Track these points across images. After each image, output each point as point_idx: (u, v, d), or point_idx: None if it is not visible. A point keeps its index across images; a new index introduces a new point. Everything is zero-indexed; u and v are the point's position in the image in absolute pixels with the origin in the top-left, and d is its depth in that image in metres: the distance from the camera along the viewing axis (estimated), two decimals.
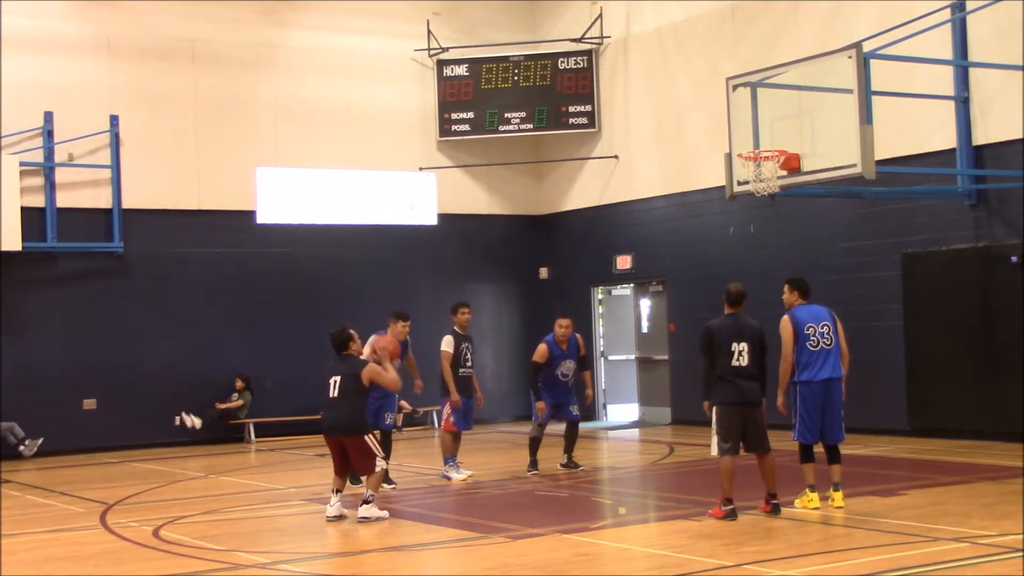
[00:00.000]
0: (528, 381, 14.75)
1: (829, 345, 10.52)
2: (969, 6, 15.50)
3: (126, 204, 19.23)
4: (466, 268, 22.05)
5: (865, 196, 15.83)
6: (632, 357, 21.76)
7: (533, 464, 13.93)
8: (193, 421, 19.22)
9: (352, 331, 11.18)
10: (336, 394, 10.91)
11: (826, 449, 10.66)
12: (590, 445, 17.58)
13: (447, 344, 13.62)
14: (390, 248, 21.38)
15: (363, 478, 11.25)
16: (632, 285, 21.69)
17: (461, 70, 21.94)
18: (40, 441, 18.05)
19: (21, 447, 17.90)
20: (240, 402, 19.72)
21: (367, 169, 21.24)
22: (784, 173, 13.51)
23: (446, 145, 22.09)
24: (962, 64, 15.59)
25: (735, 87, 14.23)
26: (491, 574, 8.49)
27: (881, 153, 13.47)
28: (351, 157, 21.11)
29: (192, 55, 20.02)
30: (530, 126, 21.91)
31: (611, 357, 22.14)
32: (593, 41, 21.63)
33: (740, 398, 10.28)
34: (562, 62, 21.81)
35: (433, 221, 21.69)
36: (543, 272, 22.92)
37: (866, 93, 12.90)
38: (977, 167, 15.66)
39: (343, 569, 9.33)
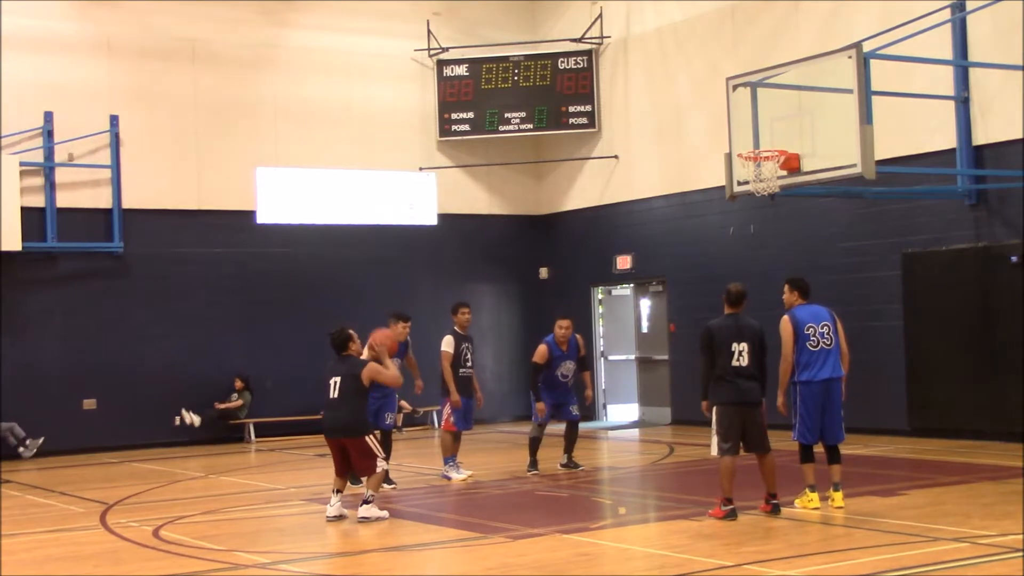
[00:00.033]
0: (528, 381, 14.76)
1: (829, 345, 10.52)
2: (969, 6, 15.50)
3: (126, 204, 19.23)
4: (466, 268, 22.05)
5: (865, 196, 15.83)
6: (632, 357, 21.76)
7: (533, 464, 13.93)
8: (192, 418, 19.22)
9: (352, 331, 11.18)
10: (336, 395, 10.90)
11: (826, 449, 10.66)
12: (590, 445, 17.59)
13: (447, 344, 13.62)
14: (390, 248, 21.38)
15: (363, 478, 11.25)
16: (632, 285, 21.69)
17: (461, 70, 21.94)
18: (41, 440, 18.05)
19: (21, 448, 17.89)
20: (240, 402, 19.72)
21: (367, 169, 21.25)
22: (784, 173, 13.51)
23: (446, 145, 22.10)
24: (962, 64, 15.59)
25: (735, 87, 14.23)
26: (491, 574, 8.49)
27: (881, 153, 13.47)
28: (351, 157, 21.11)
29: (192, 55, 20.02)
30: (530, 126, 21.91)
31: (611, 357, 22.14)
32: (593, 41, 21.63)
33: (740, 398, 10.28)
34: (562, 62, 21.81)
35: (433, 221, 21.69)
36: (543, 272, 22.92)
37: (866, 93, 12.90)
38: (977, 167, 15.66)
39: (343, 569, 9.33)
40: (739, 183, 14.06)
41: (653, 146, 20.68)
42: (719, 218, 19.21)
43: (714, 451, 10.38)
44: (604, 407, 22.02)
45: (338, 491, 10.98)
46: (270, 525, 11.40)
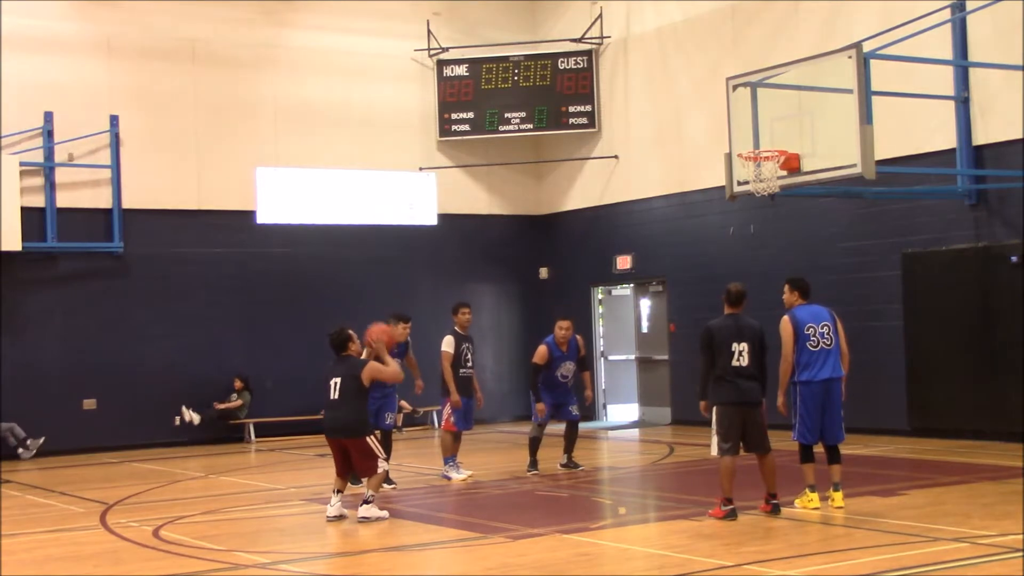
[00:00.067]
0: (528, 382, 14.76)
1: (829, 345, 10.52)
2: (969, 6, 15.50)
3: (126, 204, 19.23)
4: (466, 268, 22.05)
5: (865, 196, 15.83)
6: (632, 357, 21.76)
7: (533, 464, 13.94)
8: (192, 416, 19.22)
9: (351, 331, 11.18)
10: (337, 396, 10.90)
11: (826, 449, 10.65)
12: (590, 445, 17.59)
13: (448, 344, 13.62)
14: (390, 248, 21.38)
15: (364, 479, 11.24)
16: (632, 285, 21.69)
17: (461, 70, 21.94)
18: (42, 440, 18.05)
19: (20, 449, 17.89)
20: (239, 402, 19.71)
21: (367, 169, 21.25)
22: (784, 173, 13.51)
23: (446, 145, 22.10)
24: (962, 64, 15.59)
25: (735, 87, 14.23)
26: (491, 574, 8.49)
27: (881, 153, 13.46)
28: (351, 157, 21.11)
29: (192, 55, 20.02)
30: (530, 126, 21.91)
31: (611, 357, 22.14)
32: (593, 41, 21.63)
33: (740, 398, 10.28)
34: (562, 62, 21.81)
35: (433, 221, 21.69)
36: (543, 272, 22.92)
37: (866, 93, 12.90)
38: (977, 167, 15.66)
39: (343, 569, 9.33)
40: (739, 183, 14.06)
41: (653, 146, 20.68)
42: (719, 218, 19.21)
43: (714, 451, 10.38)
44: (604, 407, 22.02)
45: (338, 491, 10.98)
46: (270, 525, 11.40)
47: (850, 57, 12.98)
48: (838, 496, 10.51)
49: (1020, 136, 15.25)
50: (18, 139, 18.62)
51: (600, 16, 21.45)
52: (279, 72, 20.71)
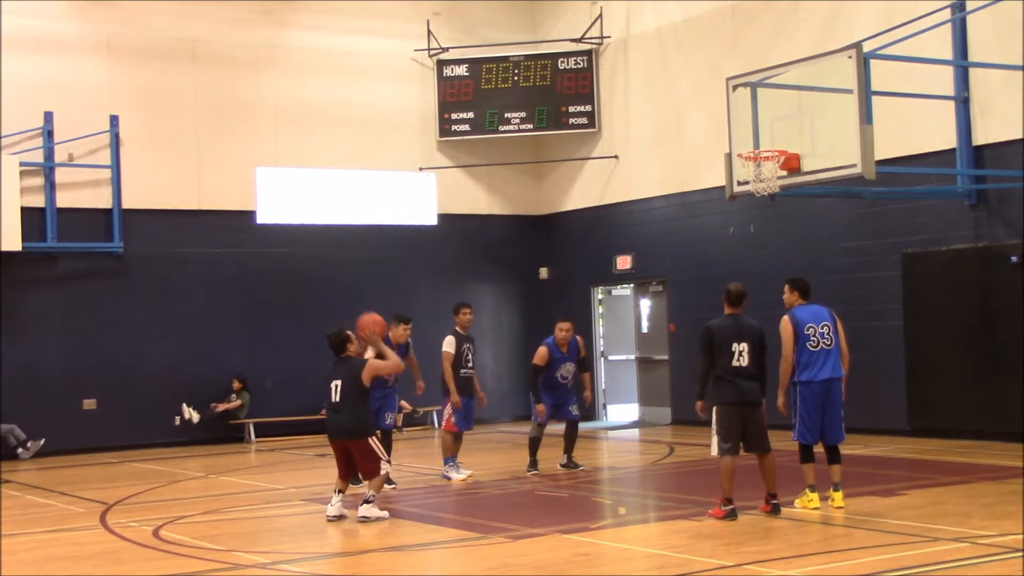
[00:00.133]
0: (528, 382, 14.76)
1: (829, 345, 10.52)
2: (969, 6, 15.50)
3: (126, 204, 19.23)
4: (466, 268, 22.05)
5: (865, 196, 15.83)
6: (632, 357, 21.76)
7: (533, 464, 13.94)
8: (192, 414, 19.22)
9: (349, 332, 11.17)
10: (338, 399, 10.89)
11: (826, 449, 10.65)
12: (590, 445, 17.59)
13: (448, 344, 13.62)
14: (390, 248, 21.38)
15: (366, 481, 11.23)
16: (632, 285, 21.69)
17: (461, 70, 21.94)
18: (42, 442, 18.05)
19: (20, 450, 17.88)
20: (238, 402, 19.71)
21: (367, 169, 21.24)
22: (784, 173, 13.51)
23: (446, 145, 22.09)
24: (962, 64, 15.59)
25: (735, 87, 14.23)
26: (491, 574, 8.49)
27: (881, 153, 13.46)
28: (351, 157, 21.11)
29: (192, 55, 20.02)
30: (530, 126, 21.91)
31: (611, 357, 22.14)
32: (593, 41, 21.63)
33: (740, 398, 10.28)
34: (562, 62, 21.81)
35: (433, 221, 21.69)
36: (543, 272, 22.92)
37: (866, 93, 12.90)
38: (977, 167, 15.66)
39: (343, 569, 9.34)
40: (739, 183, 14.06)
41: (653, 146, 20.68)
42: (719, 218, 19.21)
43: (714, 451, 10.38)
44: (604, 407, 22.02)
45: (340, 491, 10.98)
46: (270, 525, 11.40)
47: (850, 57, 12.98)
48: (838, 496, 10.51)
49: (1020, 136, 15.25)
50: (18, 139, 18.62)
51: (600, 16, 21.45)
52: (279, 72, 20.71)
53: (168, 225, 19.65)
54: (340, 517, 10.80)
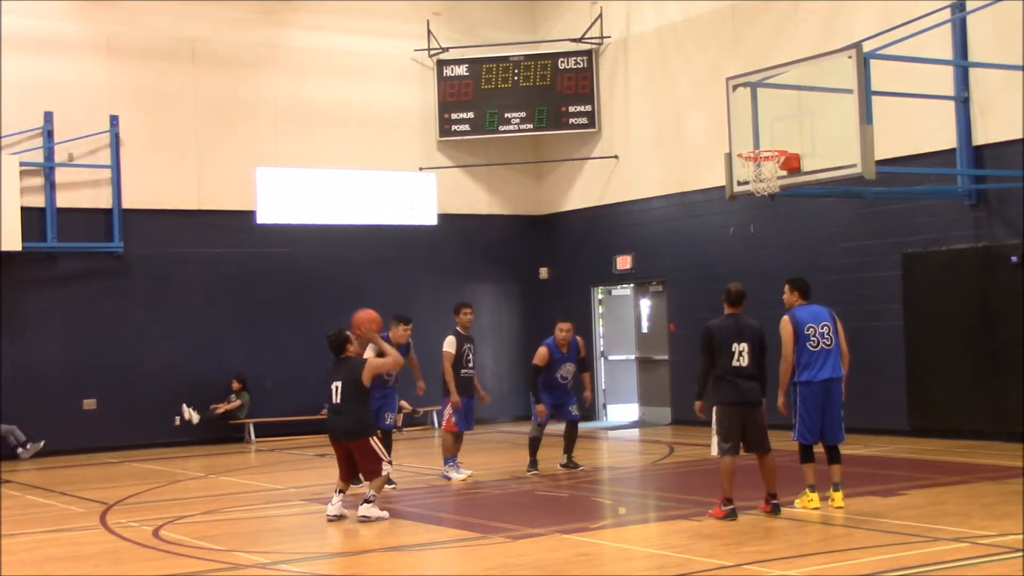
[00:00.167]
0: (528, 382, 14.76)
1: (829, 345, 10.52)
2: (969, 6, 15.50)
3: (126, 204, 19.23)
4: (466, 268, 22.05)
5: (865, 196, 15.83)
6: (632, 357, 21.76)
7: (533, 464, 13.93)
8: (192, 414, 19.22)
9: (348, 332, 11.17)
10: (339, 400, 10.89)
11: (826, 449, 10.65)
12: (590, 445, 17.59)
13: (449, 345, 13.62)
14: (390, 248, 21.38)
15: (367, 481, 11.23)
16: (632, 285, 21.69)
17: (461, 70, 21.94)
18: (41, 444, 18.05)
19: (19, 450, 17.89)
20: (238, 403, 19.71)
21: (367, 169, 21.24)
22: (784, 173, 13.51)
23: (446, 145, 22.09)
24: (962, 64, 15.59)
25: (735, 87, 14.23)
26: (491, 574, 8.49)
27: (881, 153, 13.46)
28: (351, 157, 21.11)
29: (192, 55, 20.02)
30: (530, 126, 21.91)
31: (611, 357, 22.14)
32: (593, 41, 21.63)
33: (740, 398, 10.28)
34: (562, 62, 21.81)
35: (433, 221, 21.69)
36: (543, 272, 22.92)
37: (866, 93, 12.90)
38: (977, 167, 15.66)
39: (343, 569, 9.34)
40: (739, 183, 14.06)
41: (653, 146, 20.68)
42: (719, 218, 19.21)
43: (714, 451, 10.38)
44: (604, 407, 22.02)
45: (340, 491, 10.98)
46: (270, 525, 11.40)
47: (850, 57, 12.98)
48: (838, 496, 10.51)
49: (1020, 136, 15.25)
50: (18, 139, 18.62)
51: (600, 16, 21.46)
52: (279, 72, 20.71)
53: (168, 225, 19.65)
54: (340, 517, 10.80)
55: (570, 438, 14.18)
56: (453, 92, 21.90)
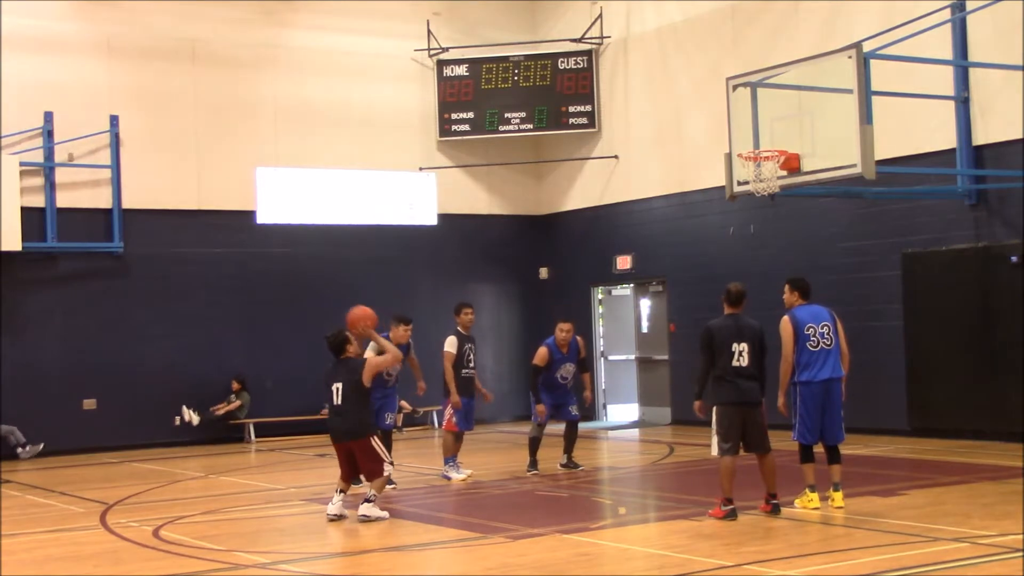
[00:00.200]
0: (528, 382, 14.76)
1: (829, 345, 10.52)
2: (969, 6, 15.50)
3: (126, 204, 19.23)
4: (466, 268, 22.05)
5: (865, 196, 15.83)
6: (632, 357, 21.76)
7: (533, 464, 13.93)
8: (191, 416, 19.22)
9: (348, 333, 11.16)
10: (340, 402, 10.89)
11: (826, 449, 10.65)
12: (590, 445, 17.59)
13: (451, 345, 13.61)
14: (390, 248, 21.38)
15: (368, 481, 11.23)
16: (632, 285, 21.69)
17: (461, 70, 21.94)
18: (41, 447, 18.05)
19: (19, 450, 17.89)
20: (238, 403, 19.70)
21: (367, 169, 21.24)
22: (784, 173, 13.51)
23: (446, 145, 22.09)
24: (962, 64, 15.59)
25: (735, 87, 14.23)
26: (491, 574, 8.49)
27: (881, 153, 13.46)
28: (351, 157, 21.11)
29: (192, 55, 20.02)
30: (530, 126, 21.91)
31: (611, 357, 22.14)
32: (593, 41, 21.63)
33: (740, 398, 10.28)
34: (562, 62, 21.81)
35: (433, 221, 21.69)
36: (543, 272, 22.92)
37: (866, 93, 12.90)
38: (977, 167, 15.66)
39: (343, 569, 9.34)
40: (739, 183, 14.06)
41: (653, 146, 20.68)
42: (719, 218, 19.21)
43: (714, 451, 10.38)
44: (604, 407, 22.02)
45: (341, 491, 10.98)
46: (270, 525, 11.40)
47: (850, 57, 12.98)
48: (838, 496, 10.51)
49: (1020, 136, 15.25)
50: (18, 139, 18.62)
51: (600, 16, 21.45)
52: (279, 72, 20.71)
53: (168, 225, 19.65)
54: (340, 516, 10.80)
55: (570, 438, 14.18)
56: (453, 92, 21.90)
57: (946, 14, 15.54)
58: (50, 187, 18.75)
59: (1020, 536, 8.91)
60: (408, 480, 13.65)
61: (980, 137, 15.69)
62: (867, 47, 13.37)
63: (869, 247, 17.10)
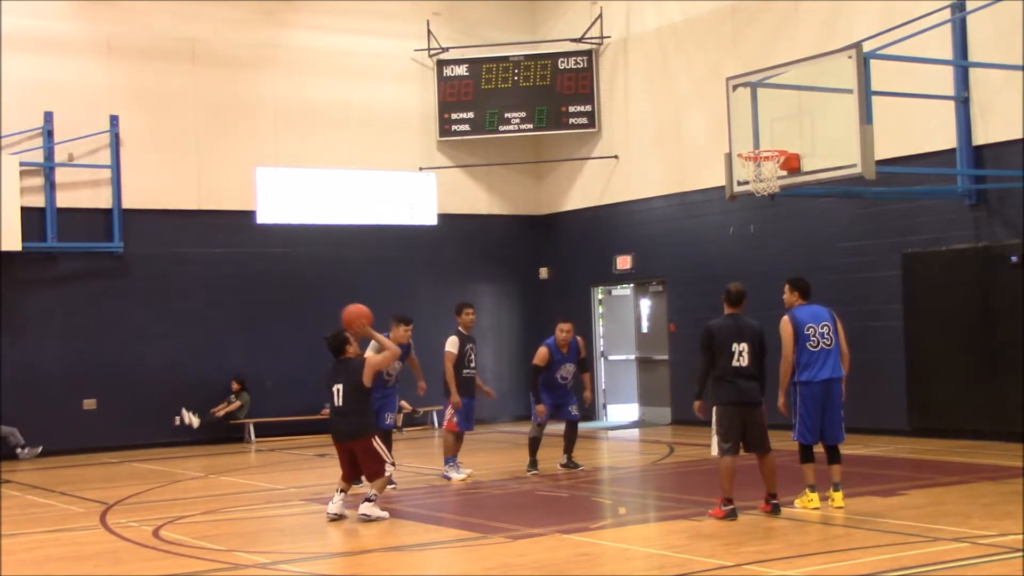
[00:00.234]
0: (528, 382, 14.76)
1: (829, 345, 10.52)
2: (969, 6, 15.50)
3: (126, 204, 19.23)
4: (466, 268, 22.05)
5: (865, 196, 15.83)
6: (632, 357, 21.76)
7: (533, 464, 13.93)
8: (191, 419, 19.22)
9: (347, 334, 11.16)
10: (341, 402, 10.90)
11: (826, 449, 10.65)
12: (590, 445, 17.59)
13: (452, 345, 13.61)
14: (390, 248, 21.38)
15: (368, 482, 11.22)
16: (632, 285, 21.69)
17: (461, 70, 21.94)
18: (39, 450, 18.05)
19: (19, 450, 17.89)
20: (238, 403, 19.70)
21: (367, 169, 21.24)
22: (784, 173, 13.51)
23: (446, 145, 22.09)
24: (962, 64, 15.59)
25: (735, 87, 14.23)
26: (491, 574, 8.49)
27: (881, 153, 13.46)
28: (351, 157, 21.11)
29: (192, 55, 20.02)
30: (530, 126, 21.91)
31: (611, 357, 22.14)
32: (593, 41, 21.63)
33: (740, 398, 10.28)
34: (562, 62, 21.81)
35: (433, 221, 21.69)
36: (543, 272, 22.92)
37: (866, 93, 12.90)
38: (977, 167, 15.66)
39: (343, 569, 9.34)
40: (739, 183, 14.06)
41: (653, 146, 20.68)
42: (719, 218, 19.21)
43: (714, 451, 10.38)
44: (604, 407, 22.02)
45: (342, 491, 10.98)
46: (270, 525, 11.40)
47: (850, 57, 12.98)
48: (838, 496, 10.51)
49: (1020, 136, 15.25)
50: (18, 139, 18.62)
51: (600, 16, 21.45)
52: (279, 72, 20.71)
53: (168, 225, 19.65)
54: (340, 517, 10.80)
55: (570, 438, 14.18)
56: (453, 92, 21.90)
57: (946, 14, 15.54)
58: (50, 187, 18.75)
59: (1020, 536, 8.91)
60: (408, 480, 13.64)
61: (980, 137, 15.69)
62: (867, 47, 13.37)
63: (869, 247, 17.10)
